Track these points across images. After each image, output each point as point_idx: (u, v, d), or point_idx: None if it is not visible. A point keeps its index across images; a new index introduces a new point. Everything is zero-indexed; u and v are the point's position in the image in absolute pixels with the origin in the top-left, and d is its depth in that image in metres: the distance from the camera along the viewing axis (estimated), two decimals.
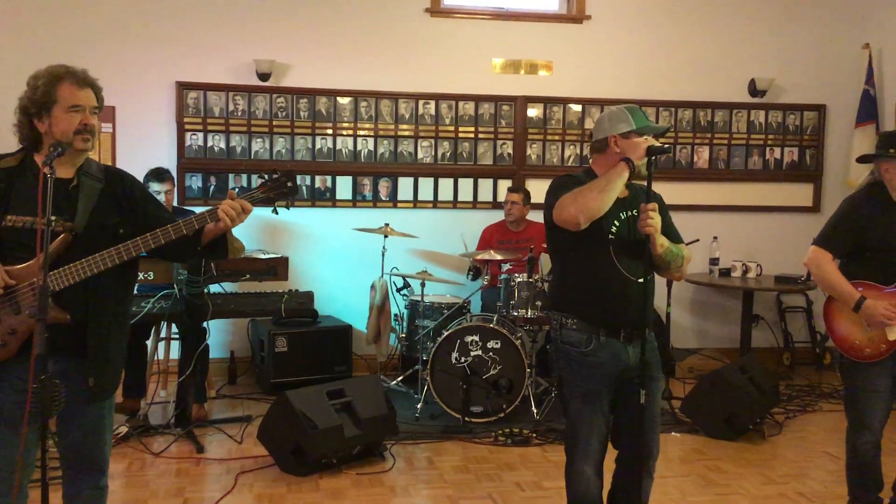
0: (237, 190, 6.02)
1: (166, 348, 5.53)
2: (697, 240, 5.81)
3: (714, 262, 6.57)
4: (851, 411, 3.55)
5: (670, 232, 3.00)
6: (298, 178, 6.14)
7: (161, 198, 5.12)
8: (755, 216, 6.87)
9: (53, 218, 2.35)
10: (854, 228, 3.41)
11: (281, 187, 2.62)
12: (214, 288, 5.10)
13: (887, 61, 6.69)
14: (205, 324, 4.94)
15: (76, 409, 2.55)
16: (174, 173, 5.55)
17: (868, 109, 6.64)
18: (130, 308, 2.87)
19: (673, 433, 5.02)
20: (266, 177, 2.63)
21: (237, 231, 2.71)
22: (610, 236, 2.90)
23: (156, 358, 5.37)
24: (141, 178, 4.58)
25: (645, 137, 2.91)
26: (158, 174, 5.21)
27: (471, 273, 5.98)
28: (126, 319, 2.73)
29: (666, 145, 2.91)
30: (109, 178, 2.62)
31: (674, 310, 6.22)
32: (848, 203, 3.51)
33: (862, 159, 3.62)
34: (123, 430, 4.71)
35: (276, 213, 2.69)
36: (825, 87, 6.91)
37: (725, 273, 6.54)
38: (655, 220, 2.83)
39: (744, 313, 6.49)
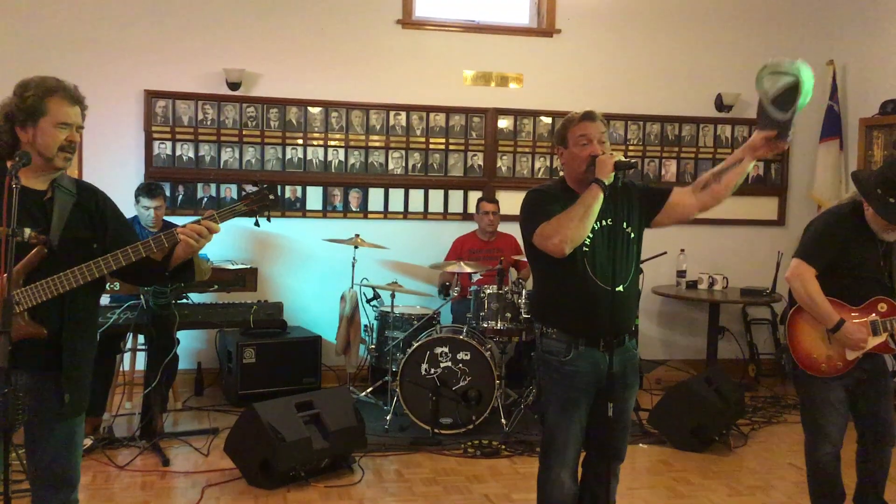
0: (205, 200, 6.01)
1: (132, 360, 5.47)
2: (665, 252, 5.89)
3: (681, 274, 6.64)
4: (808, 423, 3.58)
5: (662, 189, 3.05)
6: None
7: (150, 214, 5.07)
8: (721, 229, 6.95)
9: (28, 230, 2.32)
10: (836, 243, 3.41)
11: (263, 199, 2.63)
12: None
13: (851, 78, 6.82)
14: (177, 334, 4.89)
15: (47, 426, 2.51)
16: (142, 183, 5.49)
17: (832, 125, 6.75)
18: (98, 320, 2.85)
19: (640, 445, 5.05)
20: (248, 189, 2.64)
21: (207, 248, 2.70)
22: (584, 248, 2.92)
23: (121, 369, 5.30)
24: (111, 191, 4.51)
25: (604, 153, 2.93)
26: (149, 190, 5.15)
27: (442, 293, 5.99)
28: (95, 334, 2.70)
29: (632, 160, 2.94)
30: (81, 192, 2.59)
31: (641, 321, 6.28)
32: (831, 217, 3.51)
33: (856, 181, 3.45)
34: (88, 442, 4.63)
35: (258, 226, 2.70)
36: None
37: (692, 285, 6.61)
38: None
39: (710, 325, 6.56)
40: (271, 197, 2.63)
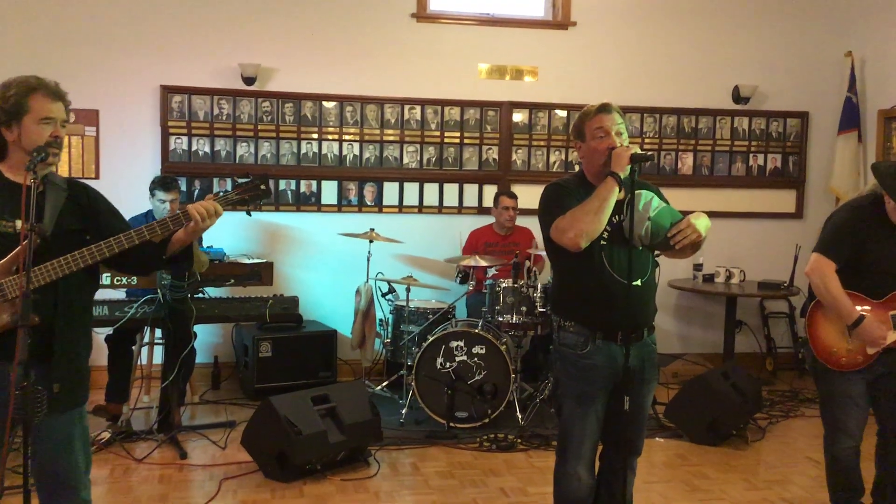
0: (220, 195, 6.03)
1: (149, 353, 5.49)
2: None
3: (698, 267, 6.60)
4: (828, 417, 3.56)
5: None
6: (283, 182, 6.24)
7: (166, 206, 5.08)
8: (738, 222, 6.91)
9: (19, 222, 2.33)
10: (856, 237, 3.36)
11: (255, 189, 2.66)
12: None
13: (869, 69, 6.75)
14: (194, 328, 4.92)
15: (43, 421, 2.46)
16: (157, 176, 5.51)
17: (850, 117, 6.69)
18: (92, 316, 2.84)
19: (657, 438, 5.04)
20: (240, 179, 2.67)
21: (217, 239, 2.70)
22: (602, 242, 2.91)
23: (139, 363, 5.34)
24: (127, 186, 4.54)
25: (622, 145, 2.92)
26: (164, 183, 5.18)
27: (459, 276, 5.99)
28: (90, 328, 2.69)
29: (649, 152, 2.92)
30: (72, 187, 2.60)
31: (658, 315, 6.24)
32: (850, 211, 3.46)
33: (877, 173, 3.37)
34: (106, 435, 4.69)
35: (250, 216, 2.73)
36: (808, 94, 6.96)
37: (709, 279, 6.58)
38: (690, 234, 2.86)
39: (727, 319, 6.52)
40: (262, 187, 2.66)
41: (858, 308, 3.37)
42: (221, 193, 2.63)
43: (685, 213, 2.97)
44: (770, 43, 6.89)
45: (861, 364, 3.40)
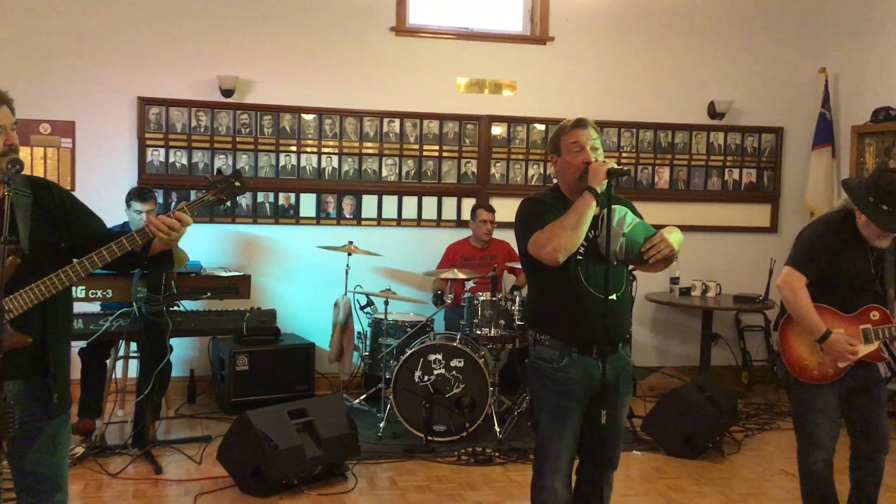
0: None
1: (124, 367, 5.45)
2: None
3: (674, 281, 6.65)
4: (800, 430, 3.58)
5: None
6: (262, 195, 6.22)
7: (142, 217, 5.03)
8: (714, 236, 6.98)
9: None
10: (828, 251, 3.40)
11: (230, 187, 2.66)
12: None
13: (843, 85, 6.86)
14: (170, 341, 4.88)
15: (35, 428, 2.50)
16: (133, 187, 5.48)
17: (824, 132, 6.79)
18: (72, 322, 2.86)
19: (634, 451, 5.05)
20: (212, 179, 2.66)
21: (194, 251, 2.69)
22: (578, 257, 2.93)
23: (113, 377, 5.29)
24: (104, 197, 4.48)
25: (597, 160, 2.95)
26: (140, 194, 5.14)
27: (436, 301, 5.98)
28: (70, 335, 2.73)
29: (625, 167, 2.95)
30: (36, 189, 2.55)
31: (635, 328, 6.29)
32: (822, 225, 3.50)
33: (847, 189, 3.44)
34: (80, 450, 4.63)
35: (225, 207, 2.70)
36: (782, 110, 7.05)
37: (685, 292, 6.62)
38: (663, 249, 2.88)
39: (703, 332, 6.57)
40: (237, 184, 2.66)
41: (834, 324, 3.41)
42: (197, 196, 2.63)
43: (660, 227, 3.00)
44: (745, 59, 6.98)
45: (832, 377, 3.43)
